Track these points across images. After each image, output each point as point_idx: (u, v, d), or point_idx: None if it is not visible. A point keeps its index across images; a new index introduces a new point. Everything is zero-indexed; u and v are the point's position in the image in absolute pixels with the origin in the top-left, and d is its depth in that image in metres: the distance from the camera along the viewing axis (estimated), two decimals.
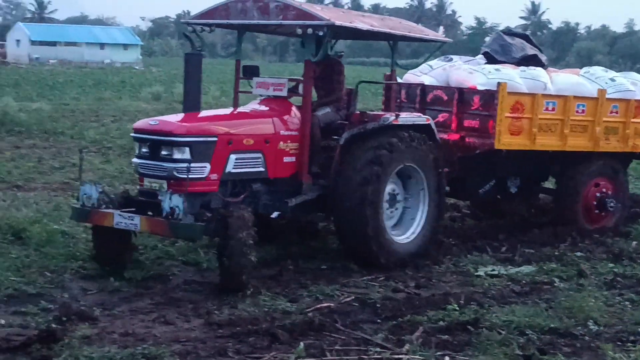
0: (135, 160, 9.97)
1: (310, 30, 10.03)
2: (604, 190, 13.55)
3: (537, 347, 7.90)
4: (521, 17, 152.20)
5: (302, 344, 7.69)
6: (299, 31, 10.13)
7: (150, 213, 9.43)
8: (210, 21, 10.76)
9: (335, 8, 12.32)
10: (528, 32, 15.49)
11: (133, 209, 9.66)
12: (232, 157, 9.85)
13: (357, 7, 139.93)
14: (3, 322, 8.18)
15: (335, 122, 11.13)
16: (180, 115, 10.29)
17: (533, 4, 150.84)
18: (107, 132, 24.13)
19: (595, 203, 13.49)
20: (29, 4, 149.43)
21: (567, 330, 8.42)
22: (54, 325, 7.97)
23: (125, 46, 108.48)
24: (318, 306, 9.04)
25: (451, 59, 14.09)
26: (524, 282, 10.46)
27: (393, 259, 10.76)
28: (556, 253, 11.86)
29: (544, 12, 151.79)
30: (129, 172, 16.73)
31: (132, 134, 10.05)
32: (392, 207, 11.03)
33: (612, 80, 13.68)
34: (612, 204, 13.54)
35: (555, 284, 10.36)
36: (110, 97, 38.70)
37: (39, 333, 7.73)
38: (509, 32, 14.98)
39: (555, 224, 13.25)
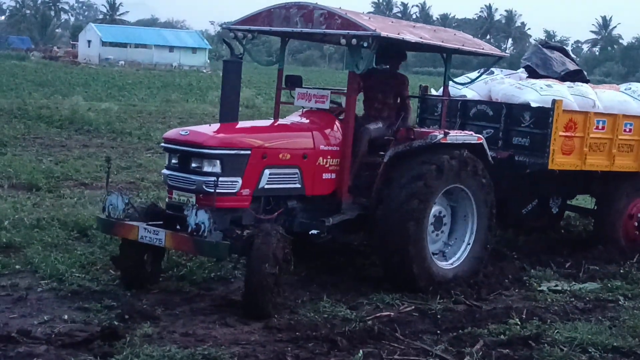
0: (164, 171, 9.46)
1: (354, 41, 9.44)
2: None
3: None
4: (592, 32, 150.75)
5: (361, 351, 7.68)
6: (343, 41, 9.61)
7: (178, 227, 9.03)
8: (253, 27, 10.31)
9: (384, 17, 11.66)
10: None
11: (160, 222, 9.25)
12: (267, 172, 9.32)
13: (425, 17, 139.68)
14: (66, 317, 8.30)
15: (384, 137, 10.59)
16: (215, 126, 9.68)
17: (604, 18, 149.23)
18: None
19: (637, 223, 13.20)
20: (101, 6, 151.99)
21: (631, 350, 8.29)
22: (116, 323, 8.09)
23: (194, 49, 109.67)
24: (378, 315, 9.02)
25: (492, 72, 13.38)
26: (587, 298, 10.32)
27: (433, 283, 10.11)
28: (621, 271, 11.68)
29: (615, 26, 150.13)
30: None
31: (163, 144, 9.55)
32: (438, 229, 10.47)
33: None
34: None
35: (620, 302, 10.21)
36: (177, 99, 39.10)
37: (101, 330, 7.84)
38: (546, 44, 14.63)
39: (595, 244, 12.95)
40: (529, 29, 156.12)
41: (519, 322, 8.91)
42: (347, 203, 10.05)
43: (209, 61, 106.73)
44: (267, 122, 10.71)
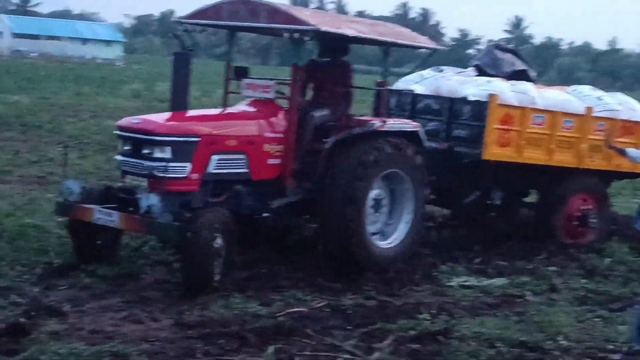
0: (118, 157, 10.00)
1: (296, 35, 10.11)
2: (586, 206, 13.61)
3: None
4: (505, 31, 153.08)
5: (271, 348, 7.68)
6: (286, 35, 10.24)
7: (131, 210, 9.53)
8: (202, 21, 10.85)
9: (325, 13, 12.49)
10: (511, 46, 15.55)
11: (114, 205, 9.74)
12: (215, 157, 9.83)
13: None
14: None
15: (328, 124, 11.11)
16: (165, 115, 10.33)
17: (517, 17, 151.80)
18: (86, 128, 24.04)
19: (576, 218, 13.55)
20: None
21: (537, 345, 8.42)
22: (22, 320, 7.93)
23: (108, 42, 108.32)
24: (289, 311, 9.00)
25: (442, 70, 14.18)
26: (496, 294, 10.47)
27: (373, 263, 10.75)
28: (529, 267, 11.86)
29: (527, 26, 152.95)
30: (106, 168, 16.71)
31: (116, 132, 10.05)
32: (377, 212, 11.02)
33: (599, 99, 13.81)
34: (593, 220, 13.59)
35: (527, 298, 10.37)
36: (90, 92, 38.55)
37: (7, 327, 7.70)
38: (500, 46, 15.12)
39: (534, 238, 13.32)
40: (444, 27, 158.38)
41: (428, 317, 8.99)
42: (292, 187, 10.58)
43: (123, 54, 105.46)
44: (215, 111, 11.19)
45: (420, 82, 13.73)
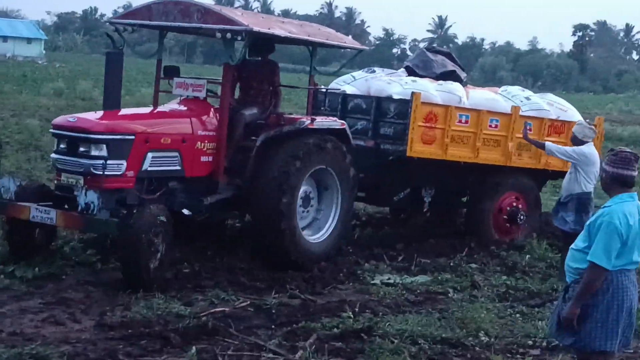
0: (53, 155, 10.10)
1: (229, 35, 10.25)
2: (515, 204, 13.84)
3: (429, 357, 8.02)
4: (428, 31, 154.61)
5: (194, 348, 7.65)
6: (219, 35, 10.32)
7: (66, 207, 9.68)
8: (133, 21, 10.94)
9: (255, 13, 13.13)
10: (445, 49, 15.82)
11: (50, 203, 9.84)
12: (149, 155, 10.01)
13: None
14: None
15: (258, 121, 11.34)
16: (100, 113, 10.43)
17: (440, 17, 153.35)
18: (5, 127, 23.58)
19: (506, 216, 13.79)
20: None
21: (459, 341, 8.52)
22: None
23: (29, 40, 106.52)
24: (212, 310, 8.98)
25: (374, 71, 14.57)
26: (418, 291, 10.56)
27: (303, 257, 11.00)
28: (451, 264, 12.01)
29: (450, 26, 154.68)
30: (26, 168, 16.42)
31: (51, 130, 10.17)
32: (306, 207, 11.33)
33: (528, 99, 14.14)
34: (522, 218, 13.82)
35: (449, 295, 10.49)
36: (10, 91, 37.82)
37: None
38: (432, 49, 15.49)
39: (465, 235, 13.57)
40: (369, 26, 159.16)
41: (351, 316, 9.03)
42: (224, 184, 10.81)
43: (44, 52, 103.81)
44: (148, 110, 11.44)
45: (351, 83, 14.11)
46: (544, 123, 13.73)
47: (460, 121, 13.00)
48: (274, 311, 9.20)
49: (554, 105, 14.32)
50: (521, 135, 13.10)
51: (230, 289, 9.86)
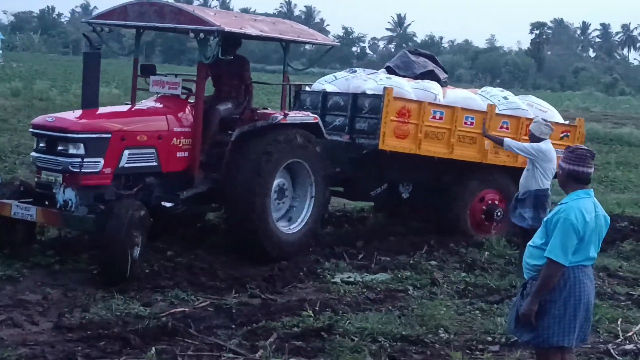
0: (33, 154, 10.41)
1: (202, 35, 10.57)
2: (492, 200, 14.00)
3: (389, 354, 8.05)
4: (387, 29, 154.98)
5: (153, 349, 7.62)
6: (192, 35, 10.63)
7: (47, 204, 10.05)
8: (109, 22, 11.29)
9: (228, 12, 13.44)
10: (427, 52, 15.92)
11: (31, 200, 10.18)
12: (126, 152, 10.31)
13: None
14: None
15: (232, 116, 11.61)
16: (78, 112, 10.68)
17: (399, 16, 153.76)
18: None
19: (483, 212, 13.95)
20: None
21: (419, 338, 8.57)
22: None
23: None
24: (172, 311, 8.95)
25: (355, 71, 15.01)
26: (378, 289, 10.58)
27: (278, 248, 11.36)
28: (411, 261, 12.03)
29: (409, 24, 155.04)
30: None
31: (31, 130, 10.52)
32: (280, 199, 11.71)
33: (505, 98, 14.30)
34: (498, 214, 13.95)
35: (409, 292, 10.51)
36: None
37: None
38: (415, 51, 15.63)
39: (442, 231, 13.75)
40: (328, 25, 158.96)
41: (312, 314, 9.03)
42: (200, 178, 11.15)
43: (1, 52, 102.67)
44: (125, 108, 11.73)
45: (332, 82, 14.46)
46: (521, 122, 13.83)
47: (434, 117, 13.20)
48: (234, 311, 9.18)
49: (533, 106, 14.51)
50: (498, 134, 13.17)
51: (190, 289, 9.83)
